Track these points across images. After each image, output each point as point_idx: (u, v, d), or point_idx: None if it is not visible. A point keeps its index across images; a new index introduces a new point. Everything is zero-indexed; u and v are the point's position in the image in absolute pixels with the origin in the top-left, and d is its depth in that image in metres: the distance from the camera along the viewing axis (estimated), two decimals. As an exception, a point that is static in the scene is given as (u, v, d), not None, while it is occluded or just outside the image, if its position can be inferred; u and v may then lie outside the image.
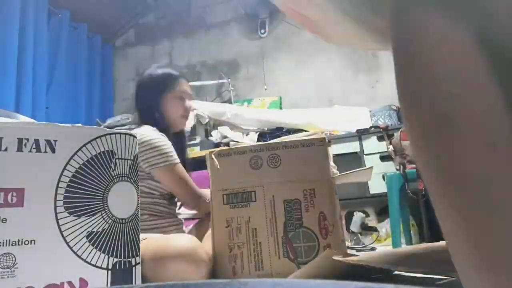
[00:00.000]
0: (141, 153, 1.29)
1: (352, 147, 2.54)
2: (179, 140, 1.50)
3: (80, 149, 0.67)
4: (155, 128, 1.35)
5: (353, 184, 2.57)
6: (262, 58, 3.58)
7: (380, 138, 2.48)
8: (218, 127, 2.90)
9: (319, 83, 3.38)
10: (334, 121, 2.75)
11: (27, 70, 2.87)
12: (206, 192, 1.33)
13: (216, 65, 3.73)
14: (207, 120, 2.97)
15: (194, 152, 2.74)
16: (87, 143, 0.68)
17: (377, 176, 2.37)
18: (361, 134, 2.53)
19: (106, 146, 0.69)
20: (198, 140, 2.83)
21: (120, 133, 0.72)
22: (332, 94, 3.30)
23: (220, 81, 3.46)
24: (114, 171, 0.70)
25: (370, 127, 2.55)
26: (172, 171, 1.31)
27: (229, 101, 3.40)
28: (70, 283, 0.59)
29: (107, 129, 0.71)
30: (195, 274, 1.12)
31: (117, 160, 0.71)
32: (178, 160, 1.32)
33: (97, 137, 0.70)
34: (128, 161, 0.73)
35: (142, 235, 1.23)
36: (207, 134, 2.98)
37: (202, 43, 3.83)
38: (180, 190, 1.33)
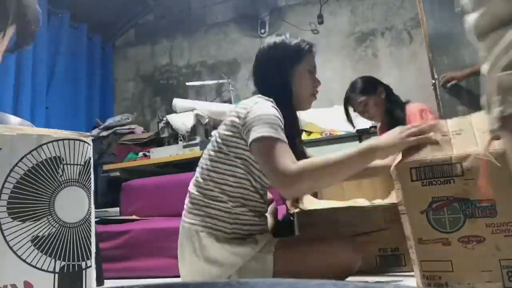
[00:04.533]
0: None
1: (352, 147, 2.54)
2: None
3: (25, 156, 0.68)
4: (270, 100, 1.16)
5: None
6: (262, 58, 3.58)
7: (380, 138, 2.48)
8: (218, 127, 2.90)
9: (319, 83, 3.38)
10: (334, 121, 2.75)
11: (26, 70, 2.87)
12: None
13: (216, 65, 3.73)
14: (207, 120, 2.96)
15: (194, 152, 2.74)
16: (32, 151, 0.69)
17: (377, 176, 2.37)
18: (361, 134, 2.53)
19: (53, 153, 0.71)
20: (198, 140, 2.82)
21: (69, 139, 0.73)
22: (332, 94, 3.30)
23: (220, 81, 3.46)
24: (62, 177, 0.71)
25: (370, 127, 2.55)
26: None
27: (229, 101, 3.40)
28: (14, 286, 0.61)
29: (55, 136, 0.71)
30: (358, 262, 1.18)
31: (65, 166, 0.72)
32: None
33: (42, 144, 0.71)
34: (78, 166, 0.74)
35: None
36: (207, 134, 2.97)
37: (202, 43, 3.83)
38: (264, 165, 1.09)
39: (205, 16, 3.86)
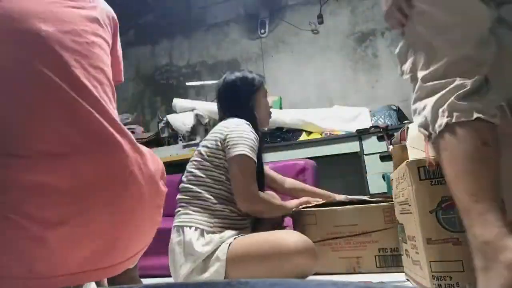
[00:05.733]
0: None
1: (352, 147, 2.54)
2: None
3: None
4: (247, 123, 1.42)
5: (353, 184, 2.57)
6: (262, 58, 3.58)
7: (380, 138, 2.48)
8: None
9: (319, 83, 3.38)
10: (334, 121, 2.75)
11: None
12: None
13: (216, 65, 3.73)
14: (207, 120, 2.96)
15: (194, 152, 2.73)
16: None
17: (377, 176, 2.37)
18: (361, 134, 2.53)
19: None
20: (198, 140, 2.83)
21: None
22: (332, 94, 3.30)
23: (220, 81, 3.46)
24: None
25: (370, 127, 2.55)
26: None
27: (229, 101, 3.39)
28: None
29: None
30: (312, 267, 1.20)
31: None
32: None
33: None
34: None
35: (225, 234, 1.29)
36: (207, 134, 2.97)
37: (202, 43, 3.83)
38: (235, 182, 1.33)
39: (205, 16, 3.86)
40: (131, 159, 0.77)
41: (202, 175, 1.38)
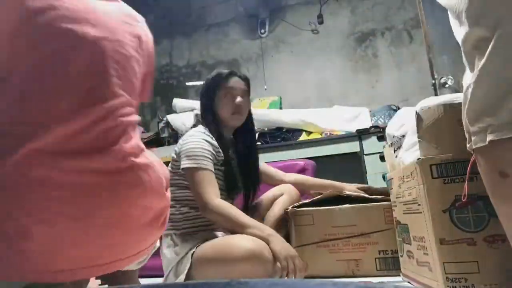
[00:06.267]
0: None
1: (352, 147, 2.54)
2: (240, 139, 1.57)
3: None
4: (202, 130, 1.45)
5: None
6: (262, 58, 3.58)
7: (380, 138, 2.48)
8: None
9: (319, 83, 3.38)
10: (334, 121, 2.75)
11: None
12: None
13: (216, 65, 3.73)
14: (207, 120, 2.96)
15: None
16: None
17: (377, 176, 2.37)
18: (361, 134, 2.52)
19: None
20: (198, 140, 2.82)
21: None
22: (332, 94, 3.30)
23: (220, 81, 3.46)
24: None
25: (370, 127, 2.55)
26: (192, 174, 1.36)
27: (229, 101, 3.39)
28: None
29: None
30: (261, 273, 1.20)
31: None
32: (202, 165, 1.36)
33: None
34: None
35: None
36: (207, 134, 2.97)
37: (202, 43, 3.83)
38: (193, 192, 1.36)
39: (205, 16, 3.86)
40: (139, 165, 0.79)
41: (171, 184, 1.45)
